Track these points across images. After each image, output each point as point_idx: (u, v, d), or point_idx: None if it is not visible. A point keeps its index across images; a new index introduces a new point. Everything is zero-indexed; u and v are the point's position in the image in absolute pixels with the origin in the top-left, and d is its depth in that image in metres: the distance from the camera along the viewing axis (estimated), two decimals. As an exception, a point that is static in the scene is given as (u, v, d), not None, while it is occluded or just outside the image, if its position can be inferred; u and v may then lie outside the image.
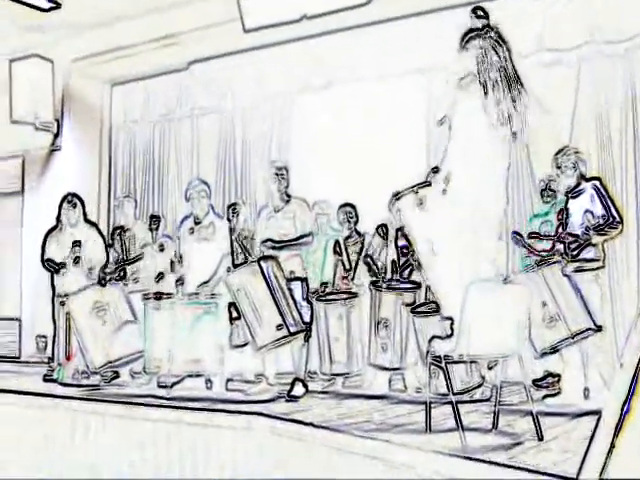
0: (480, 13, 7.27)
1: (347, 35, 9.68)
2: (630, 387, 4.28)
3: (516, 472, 5.03)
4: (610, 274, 7.53)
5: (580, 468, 4.17)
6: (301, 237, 8.69)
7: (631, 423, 4.10)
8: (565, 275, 7.22)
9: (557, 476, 4.84)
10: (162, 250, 9.62)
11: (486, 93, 7.10)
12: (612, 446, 4.00)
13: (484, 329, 5.80)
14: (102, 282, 9.40)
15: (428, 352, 6.34)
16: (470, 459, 5.37)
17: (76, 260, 9.63)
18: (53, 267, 9.72)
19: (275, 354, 8.40)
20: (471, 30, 7.17)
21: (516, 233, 7.95)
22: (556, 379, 7.48)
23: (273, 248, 8.59)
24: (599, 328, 7.11)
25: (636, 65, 8.34)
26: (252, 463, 6.83)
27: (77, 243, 9.66)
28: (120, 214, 10.30)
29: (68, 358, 9.52)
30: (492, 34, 7.12)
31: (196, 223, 9.18)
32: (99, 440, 7.82)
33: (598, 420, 4.20)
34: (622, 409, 4.17)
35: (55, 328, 9.68)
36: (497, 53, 7.09)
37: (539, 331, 7.12)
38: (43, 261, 9.80)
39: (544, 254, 7.59)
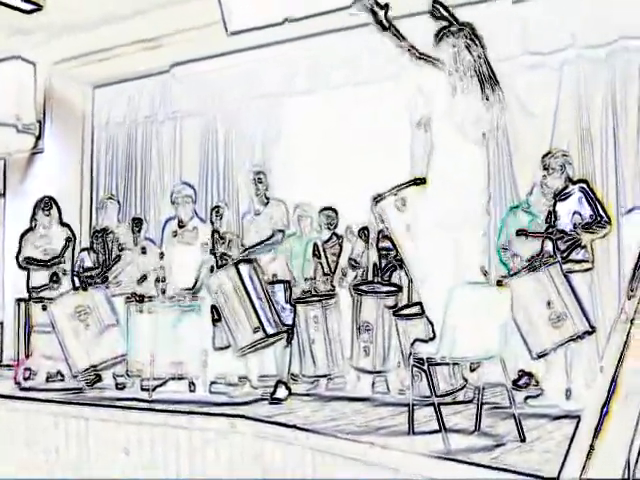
0: (439, 13, 7.26)
1: (330, 38, 9.70)
2: (609, 389, 4.31)
3: (498, 473, 5.05)
4: (592, 276, 7.55)
5: (560, 470, 4.19)
6: (269, 237, 8.71)
7: (610, 425, 4.13)
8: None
9: (538, 477, 4.87)
10: (144, 253, 9.59)
11: (458, 90, 7.14)
12: (591, 448, 4.03)
13: (467, 331, 5.81)
14: (84, 286, 9.38)
15: (411, 354, 6.35)
16: (452, 460, 5.39)
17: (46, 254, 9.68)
18: (35, 264, 9.71)
19: (258, 357, 8.41)
20: (444, 27, 7.18)
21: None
22: (532, 378, 7.52)
23: (247, 253, 8.60)
24: (593, 329, 7.14)
25: (616, 69, 8.40)
26: (236, 466, 6.83)
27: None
28: (103, 216, 10.25)
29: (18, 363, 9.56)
30: (465, 32, 7.12)
31: (180, 226, 9.18)
32: (82, 444, 7.80)
33: (578, 422, 4.22)
34: (601, 411, 4.20)
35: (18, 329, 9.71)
36: (470, 52, 7.11)
37: (539, 332, 7.13)
38: (19, 261, 9.80)
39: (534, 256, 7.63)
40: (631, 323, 4.77)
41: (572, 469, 3.92)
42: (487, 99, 7.22)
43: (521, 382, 7.53)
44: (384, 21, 7.13)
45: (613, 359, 4.44)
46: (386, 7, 7.22)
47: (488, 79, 7.27)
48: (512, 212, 8.06)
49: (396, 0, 7.66)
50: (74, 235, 9.99)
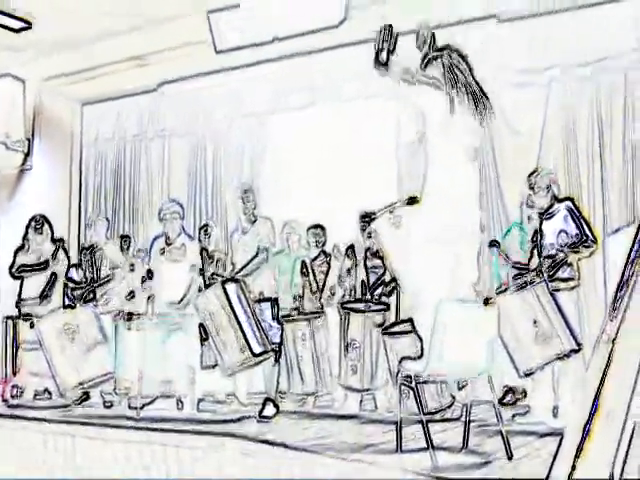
0: (423, 40, 7.32)
1: (318, 57, 9.74)
2: (592, 409, 4.35)
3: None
4: (579, 293, 7.59)
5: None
6: (255, 256, 8.75)
7: (591, 444, 4.16)
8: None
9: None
10: (132, 270, 9.59)
11: (453, 108, 7.18)
12: (573, 468, 4.06)
13: (454, 349, 5.84)
14: (72, 304, 9.38)
15: (398, 372, 6.37)
16: (439, 479, 5.41)
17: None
18: (28, 270, 9.73)
19: (247, 374, 8.41)
20: (428, 52, 7.23)
21: (494, 241, 8.02)
22: (519, 395, 7.55)
23: (235, 274, 8.62)
24: (580, 347, 7.16)
25: (602, 87, 8.45)
26: (224, 484, 6.83)
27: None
28: (92, 233, 10.26)
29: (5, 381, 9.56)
30: (452, 54, 7.18)
31: (167, 244, 9.19)
32: (70, 461, 7.78)
33: (560, 441, 4.26)
34: (584, 430, 4.24)
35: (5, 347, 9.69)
36: (461, 71, 7.16)
37: (526, 349, 7.15)
38: (12, 272, 9.80)
39: (518, 266, 7.69)
40: (612, 343, 4.82)
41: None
42: (480, 114, 7.28)
43: (507, 399, 7.55)
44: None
45: (595, 379, 4.48)
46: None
47: (479, 96, 7.32)
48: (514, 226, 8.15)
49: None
50: (67, 255, 10.00)
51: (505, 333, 6.98)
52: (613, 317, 5.09)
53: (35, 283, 9.83)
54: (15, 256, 9.87)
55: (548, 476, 4.20)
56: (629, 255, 5.64)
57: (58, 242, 9.94)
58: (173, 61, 10.52)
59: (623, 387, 4.55)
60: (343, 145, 9.39)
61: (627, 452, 4.30)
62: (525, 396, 7.52)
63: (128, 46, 10.54)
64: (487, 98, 7.29)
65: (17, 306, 9.82)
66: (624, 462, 4.24)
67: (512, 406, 7.50)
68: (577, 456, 4.13)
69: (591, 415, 4.30)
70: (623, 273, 5.50)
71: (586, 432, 4.23)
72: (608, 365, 4.65)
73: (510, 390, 7.64)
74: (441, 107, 7.48)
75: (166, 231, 9.23)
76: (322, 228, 9.03)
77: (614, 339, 4.87)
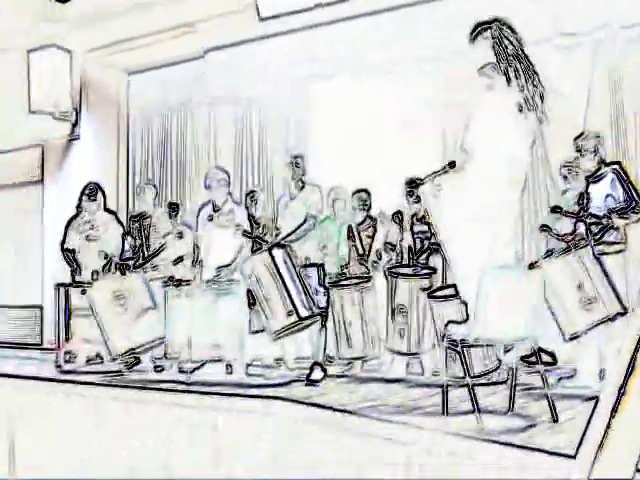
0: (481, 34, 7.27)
1: (362, 21, 9.73)
2: (627, 370, 4.38)
3: (529, 452, 5.13)
4: (625, 257, 7.54)
5: (578, 447, 4.28)
6: (302, 223, 8.80)
7: (627, 404, 4.21)
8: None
9: (556, 454, 4.94)
10: (181, 237, 9.69)
11: (509, 80, 7.12)
12: (608, 427, 4.11)
13: (500, 313, 5.89)
14: (122, 271, 9.52)
15: (444, 336, 6.43)
16: (484, 440, 5.47)
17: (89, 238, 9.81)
18: (69, 261, 9.87)
19: (294, 339, 8.51)
20: (480, 24, 7.19)
21: (545, 226, 7.99)
22: (549, 359, 7.54)
23: (282, 244, 8.67)
24: (626, 311, 7.14)
25: (651, 49, 8.38)
26: (272, 447, 6.94)
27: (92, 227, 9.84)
28: (141, 201, 10.36)
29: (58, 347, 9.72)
30: (501, 26, 7.13)
31: (215, 210, 9.26)
32: (121, 425, 7.94)
33: (596, 402, 4.31)
34: (619, 391, 4.27)
35: (58, 314, 9.84)
36: (511, 43, 7.11)
37: (570, 314, 7.15)
38: (63, 249, 9.93)
39: (569, 238, 7.66)
40: None
41: (589, 447, 3.99)
42: (535, 86, 7.22)
43: (531, 359, 7.53)
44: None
45: (632, 341, 4.50)
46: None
47: (531, 69, 7.27)
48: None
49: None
50: (122, 224, 10.11)
51: (550, 298, 6.97)
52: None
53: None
54: (67, 226, 9.97)
55: (584, 433, 4.25)
56: None
57: (122, 237, 10.06)
58: (218, 28, 10.57)
59: None
60: (389, 111, 9.41)
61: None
62: (555, 361, 7.48)
63: (172, 14, 10.62)
64: (537, 72, 7.22)
65: (72, 274, 9.95)
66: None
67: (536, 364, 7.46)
68: (612, 416, 4.18)
69: (627, 376, 4.33)
70: None
71: (622, 392, 4.27)
72: None
73: (540, 350, 7.61)
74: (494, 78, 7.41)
75: (213, 198, 9.29)
76: (367, 192, 9.04)
77: None
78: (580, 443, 4.20)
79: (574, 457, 4.59)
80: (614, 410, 4.20)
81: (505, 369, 7.21)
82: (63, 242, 9.93)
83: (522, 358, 6.71)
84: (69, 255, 9.89)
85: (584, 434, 4.15)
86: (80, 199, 9.93)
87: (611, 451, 4.02)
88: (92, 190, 9.89)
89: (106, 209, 10.02)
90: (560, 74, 8.48)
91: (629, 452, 3.95)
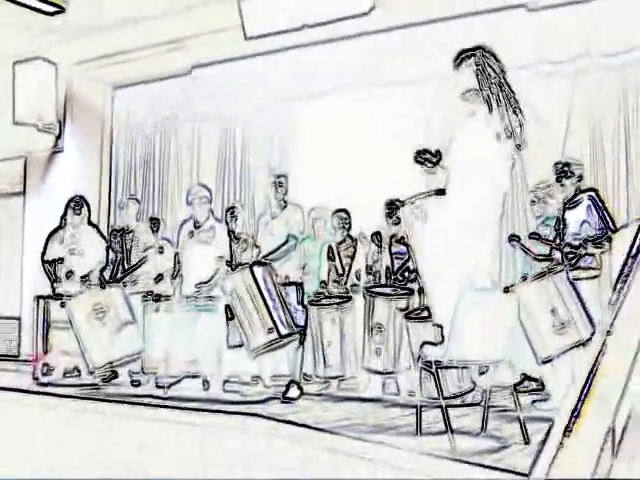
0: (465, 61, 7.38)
1: (347, 43, 9.82)
2: (582, 394, 4.49)
3: (500, 473, 5.19)
4: (600, 282, 7.62)
5: (532, 465, 4.40)
6: (284, 243, 8.88)
7: (581, 426, 4.31)
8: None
9: (508, 471, 5.03)
10: (161, 252, 9.72)
11: (490, 107, 7.22)
12: (561, 444, 4.21)
13: (474, 335, 5.95)
14: (102, 284, 9.55)
15: (419, 357, 6.49)
16: (456, 461, 5.52)
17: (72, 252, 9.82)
18: (48, 272, 9.88)
19: (272, 356, 8.55)
20: (464, 51, 7.30)
21: (514, 236, 8.09)
22: (537, 384, 7.62)
23: (263, 261, 8.74)
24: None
25: (630, 78, 8.48)
26: (248, 463, 6.96)
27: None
28: (123, 215, 10.39)
29: (36, 359, 9.71)
30: (485, 53, 7.24)
31: (196, 227, 9.31)
32: (98, 438, 7.94)
33: (552, 423, 4.41)
34: (572, 414, 4.38)
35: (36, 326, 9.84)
36: (494, 70, 7.21)
37: (544, 338, 7.22)
38: (43, 261, 9.94)
39: (540, 258, 7.76)
40: (607, 333, 4.94)
41: (542, 464, 4.09)
42: (515, 114, 7.32)
43: (523, 386, 7.62)
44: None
45: (587, 367, 4.63)
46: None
47: (512, 96, 7.37)
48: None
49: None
50: (105, 237, 10.13)
51: (525, 321, 7.05)
52: (611, 307, 5.20)
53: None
54: (49, 238, 9.98)
55: (538, 455, 4.35)
56: (631, 248, 5.68)
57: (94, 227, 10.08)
58: (204, 46, 10.63)
59: (617, 375, 4.69)
60: (371, 131, 9.47)
61: (622, 437, 4.46)
62: (543, 387, 7.59)
63: (160, 31, 10.67)
64: (517, 101, 7.33)
65: (52, 286, 9.95)
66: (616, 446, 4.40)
67: (528, 394, 7.57)
68: (567, 435, 4.29)
69: (581, 399, 4.44)
70: (624, 266, 5.57)
71: (576, 415, 4.38)
72: (603, 353, 4.77)
73: (527, 378, 7.71)
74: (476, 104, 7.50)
75: (195, 215, 9.35)
76: (346, 212, 9.10)
77: (608, 330, 4.99)
78: (534, 463, 4.31)
79: (527, 475, 4.69)
80: (568, 431, 4.30)
81: (479, 391, 7.29)
82: (43, 253, 9.94)
83: (514, 387, 6.78)
84: (48, 267, 9.89)
85: (538, 453, 4.25)
86: (65, 211, 9.94)
87: (564, 469, 4.13)
88: (77, 203, 9.90)
89: (89, 222, 10.04)
90: (541, 100, 8.58)
91: (582, 470, 4.07)
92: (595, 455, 4.21)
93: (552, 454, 4.21)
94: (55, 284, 9.89)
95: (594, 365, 4.71)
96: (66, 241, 9.89)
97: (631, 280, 5.35)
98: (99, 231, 10.11)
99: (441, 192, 7.18)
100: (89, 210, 9.99)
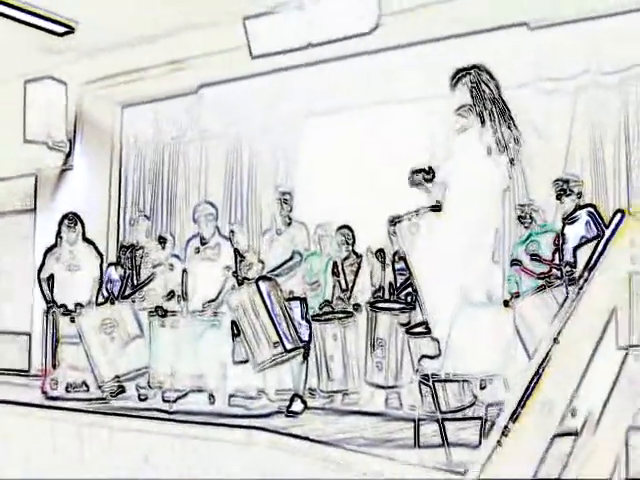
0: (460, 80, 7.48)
1: (351, 62, 9.92)
2: (521, 398, 4.66)
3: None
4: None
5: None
6: (289, 259, 8.97)
7: (520, 429, 4.47)
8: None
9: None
10: (172, 269, 9.80)
11: (483, 122, 7.30)
12: (499, 443, 4.38)
13: (470, 349, 6.04)
14: (111, 300, 9.67)
15: (418, 371, 6.58)
16: (451, 472, 5.62)
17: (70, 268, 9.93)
18: (44, 290, 10.01)
19: (276, 371, 8.64)
20: (460, 70, 7.40)
21: (516, 260, 8.17)
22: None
23: (268, 276, 8.84)
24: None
25: (630, 95, 8.56)
26: (252, 476, 7.05)
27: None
28: (134, 232, 10.51)
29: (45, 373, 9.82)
30: (480, 72, 7.33)
31: (202, 243, 9.42)
32: (105, 451, 8.04)
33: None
34: (511, 417, 4.54)
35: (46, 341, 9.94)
36: (489, 87, 7.31)
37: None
38: (39, 278, 10.07)
39: (542, 277, 7.83)
40: (554, 341, 5.07)
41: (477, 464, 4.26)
42: (509, 129, 7.40)
43: None
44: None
45: (531, 373, 4.79)
46: None
47: (507, 112, 7.45)
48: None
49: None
50: (101, 254, 10.23)
51: (525, 335, 7.13)
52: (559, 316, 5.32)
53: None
54: (45, 255, 10.10)
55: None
56: (588, 261, 5.75)
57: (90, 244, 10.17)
58: (211, 66, 10.73)
59: (562, 383, 4.85)
60: (375, 149, 9.56)
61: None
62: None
63: (167, 51, 10.80)
64: (512, 117, 7.42)
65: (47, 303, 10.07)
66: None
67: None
68: (505, 434, 4.46)
69: (521, 402, 4.62)
70: (579, 278, 5.66)
71: (514, 419, 4.56)
72: (545, 361, 4.92)
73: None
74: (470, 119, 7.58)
75: (201, 232, 9.45)
76: (350, 229, 9.18)
77: (555, 338, 5.11)
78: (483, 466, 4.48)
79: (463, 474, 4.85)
80: (507, 430, 4.48)
81: (480, 405, 7.37)
82: (40, 271, 10.06)
83: None
84: (44, 284, 10.00)
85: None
86: (59, 229, 10.05)
87: (499, 466, 4.31)
88: (71, 220, 9.99)
89: (85, 239, 10.15)
90: (542, 117, 8.67)
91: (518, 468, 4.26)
92: (533, 456, 4.38)
93: (489, 451, 4.39)
94: (50, 305, 9.99)
95: (537, 371, 4.86)
96: (63, 257, 9.99)
97: (583, 291, 5.45)
98: (95, 247, 10.20)
99: (437, 208, 7.26)
100: (83, 226, 10.08)
